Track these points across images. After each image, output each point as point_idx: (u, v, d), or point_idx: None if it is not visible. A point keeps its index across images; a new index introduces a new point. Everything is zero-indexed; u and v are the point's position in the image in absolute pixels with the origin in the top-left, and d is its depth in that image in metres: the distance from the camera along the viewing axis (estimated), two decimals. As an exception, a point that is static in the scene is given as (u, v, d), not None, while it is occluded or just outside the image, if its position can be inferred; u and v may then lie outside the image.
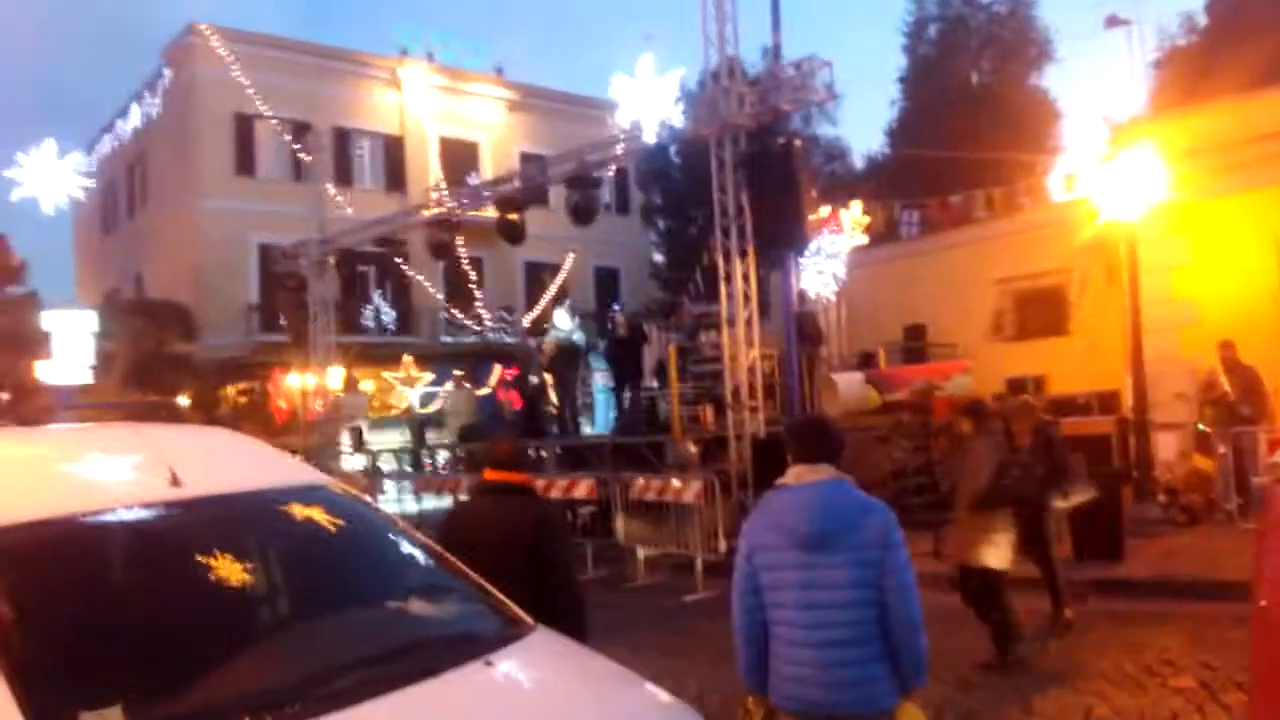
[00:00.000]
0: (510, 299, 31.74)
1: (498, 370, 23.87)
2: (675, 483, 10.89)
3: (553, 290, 31.90)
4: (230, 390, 25.57)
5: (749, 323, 12.12)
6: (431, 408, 22.32)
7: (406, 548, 3.93)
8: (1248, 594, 7.94)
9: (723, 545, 11.31)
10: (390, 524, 4.10)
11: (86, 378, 20.29)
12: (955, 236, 17.96)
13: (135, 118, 31.80)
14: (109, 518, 3.17)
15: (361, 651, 3.08)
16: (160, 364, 22.35)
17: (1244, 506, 10.47)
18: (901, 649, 3.19)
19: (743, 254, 12.18)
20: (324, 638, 3.30)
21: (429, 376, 24.04)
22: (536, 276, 32.37)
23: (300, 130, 26.74)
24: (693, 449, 12.08)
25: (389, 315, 28.87)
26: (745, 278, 12.15)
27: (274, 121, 27.58)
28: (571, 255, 32.25)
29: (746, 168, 11.65)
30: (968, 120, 27.52)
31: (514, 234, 15.24)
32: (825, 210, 15.28)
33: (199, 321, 24.43)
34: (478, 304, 30.15)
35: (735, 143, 11.89)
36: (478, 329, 30.06)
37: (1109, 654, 6.97)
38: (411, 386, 22.97)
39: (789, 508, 3.43)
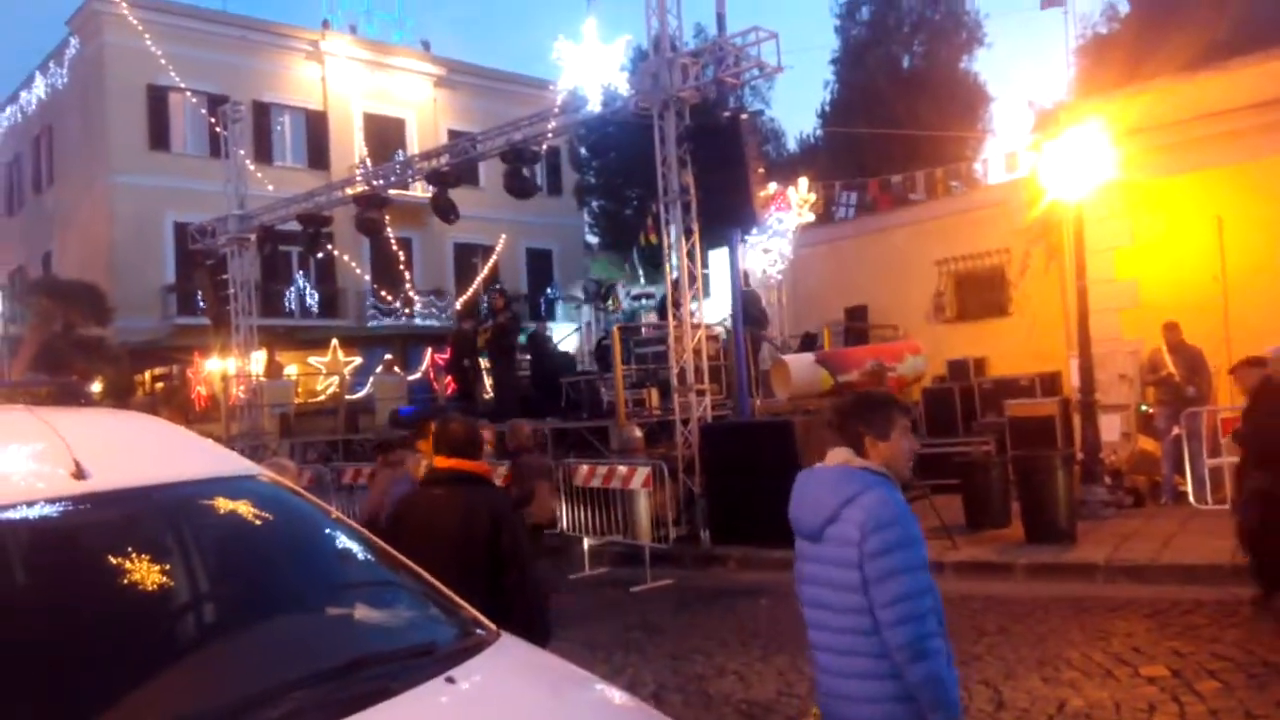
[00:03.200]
0: (439, 281, 31.01)
1: (429, 354, 23.24)
2: (621, 469, 10.51)
3: (484, 272, 31.25)
4: (146, 376, 24.44)
5: (694, 303, 11.78)
6: (359, 394, 21.58)
7: (350, 546, 3.46)
8: (1208, 578, 8.00)
9: (672, 534, 11.02)
10: (329, 519, 3.60)
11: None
12: (895, 217, 17.85)
13: (40, 89, 30.19)
14: (-1, 517, 2.66)
15: (304, 668, 2.63)
16: (70, 348, 21.20)
17: (1197, 488, 10.48)
18: (904, 675, 2.76)
19: (687, 232, 11.81)
20: (260, 653, 2.83)
21: (357, 361, 23.30)
22: (466, 259, 31.68)
23: (217, 103, 25.53)
24: (638, 433, 11.71)
25: (313, 298, 27.92)
26: (690, 256, 11.78)
27: (189, 94, 26.40)
28: (504, 237, 31.63)
29: (691, 142, 11.26)
30: (900, 103, 27.57)
31: (446, 210, 14.68)
32: (773, 187, 15.02)
33: (112, 303, 23.25)
34: (406, 286, 29.36)
35: (679, 116, 11.50)
36: (406, 312, 29.28)
37: (1076, 643, 6.79)
38: (338, 371, 22.20)
39: (794, 490, 3.12)
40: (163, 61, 25.65)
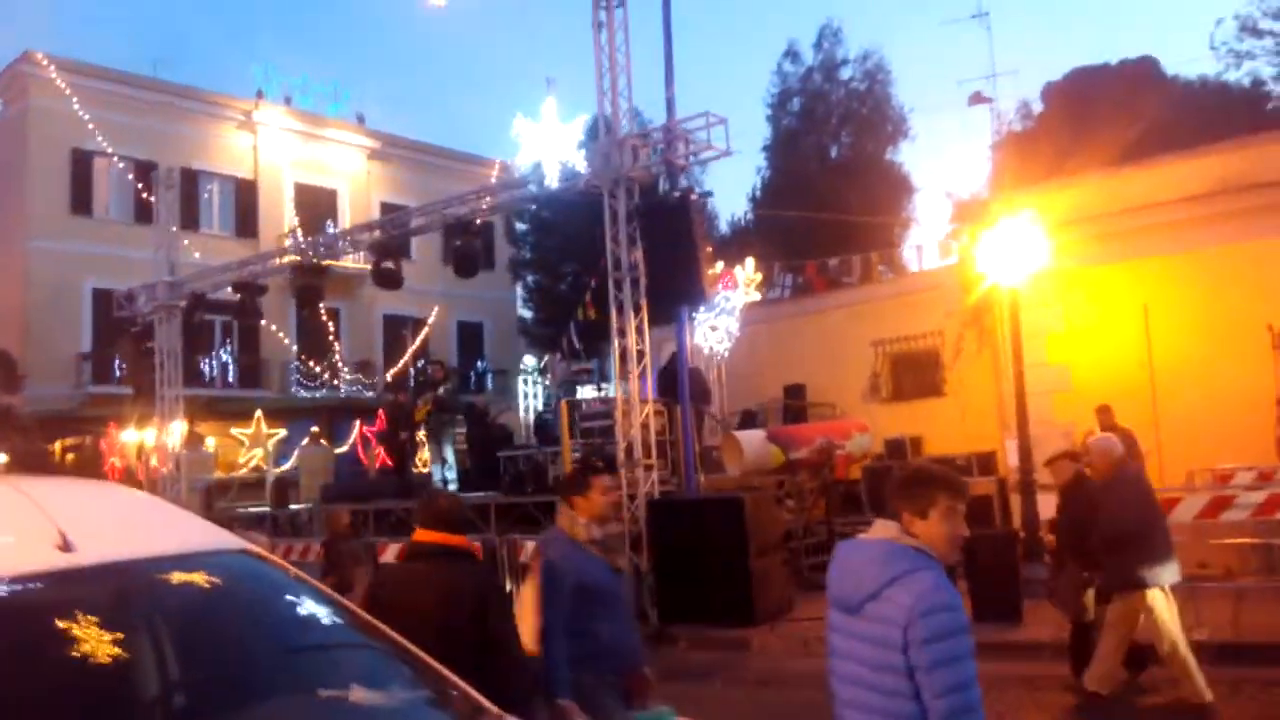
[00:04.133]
0: (367, 353, 30.52)
1: (358, 426, 22.73)
2: (569, 545, 10.27)
3: (415, 345, 30.88)
4: (56, 446, 23.36)
5: (642, 378, 11.77)
6: (283, 467, 20.94)
7: (343, 623, 3.28)
8: (1146, 658, 8.12)
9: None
10: (321, 594, 3.42)
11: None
12: (832, 299, 18.25)
13: (-43, 148, 29.24)
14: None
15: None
16: (-24, 416, 20.19)
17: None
18: None
19: (636, 308, 11.86)
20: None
21: (281, 433, 22.65)
22: (395, 330, 31.30)
23: (144, 170, 25.11)
24: (582, 510, 11.50)
25: (234, 368, 27.20)
26: (639, 332, 11.81)
27: (115, 159, 25.85)
28: (436, 309, 31.36)
29: (642, 220, 11.38)
30: (828, 190, 28.42)
31: (390, 280, 14.52)
32: (719, 266, 15.24)
33: (23, 370, 22.28)
34: (334, 357, 28.84)
35: (629, 195, 11.63)
36: (333, 383, 28.70)
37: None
38: (262, 444, 21.54)
39: (834, 559, 3.06)
40: (89, 126, 25.15)
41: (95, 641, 2.60)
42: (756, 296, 17.27)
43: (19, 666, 2.52)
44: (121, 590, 2.80)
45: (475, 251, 13.97)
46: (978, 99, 17.50)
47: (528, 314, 36.08)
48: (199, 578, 3.03)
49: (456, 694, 3.07)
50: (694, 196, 11.29)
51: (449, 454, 15.52)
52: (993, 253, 11.92)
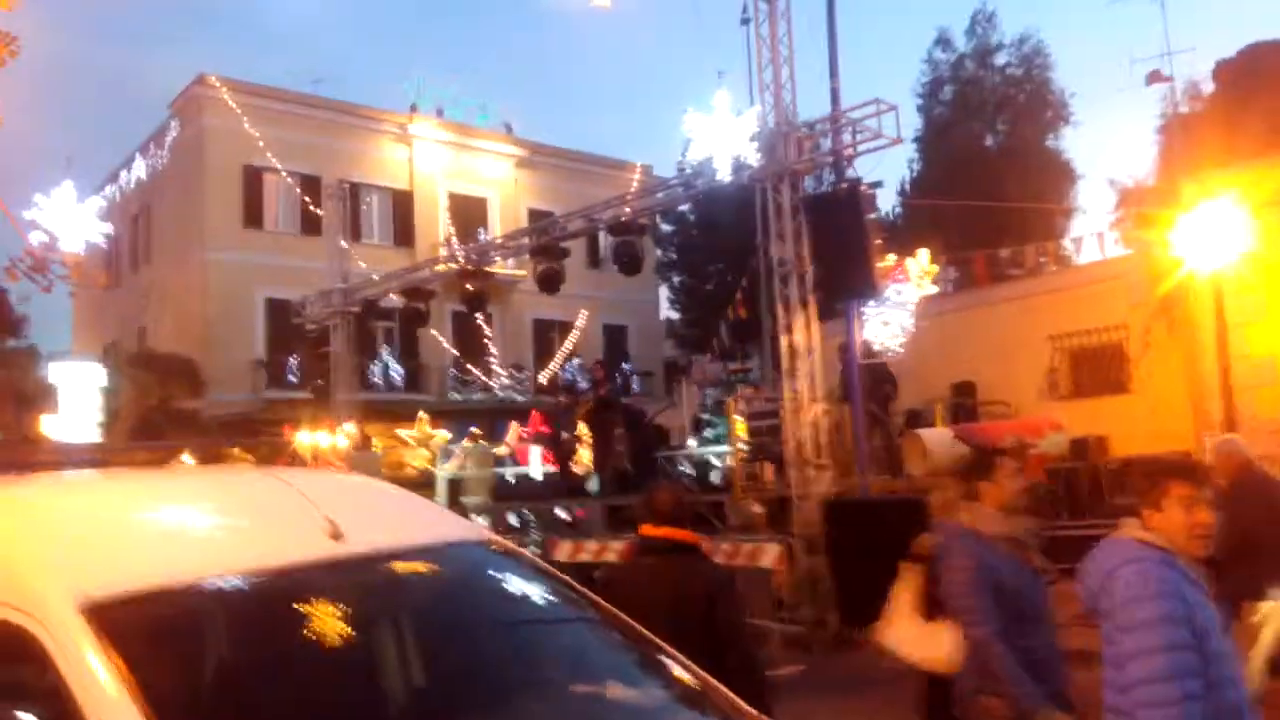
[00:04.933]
0: (519, 356, 31.13)
1: (514, 428, 23.10)
2: (747, 546, 10.12)
3: (564, 347, 31.33)
4: (235, 450, 24.60)
5: (811, 376, 11.48)
6: (450, 466, 21.46)
7: (596, 618, 3.19)
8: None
9: (797, 616, 10.55)
10: (564, 585, 3.33)
11: (95, 434, 19.39)
12: (1003, 291, 17.48)
13: (140, 170, 31.30)
14: (264, 580, 2.47)
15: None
16: (167, 419, 21.48)
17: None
18: None
19: (804, 304, 11.58)
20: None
21: (446, 434, 23.24)
22: (544, 334, 31.87)
23: (309, 184, 26.25)
24: (758, 509, 11.33)
25: (398, 372, 28.14)
26: (807, 328, 11.53)
27: (283, 174, 27.12)
28: (584, 313, 31.75)
29: (810, 213, 11.11)
30: (984, 181, 27.36)
31: (553, 283, 14.68)
32: (891, 258, 14.81)
33: (205, 376, 23.61)
34: (490, 360, 29.53)
35: (794, 189, 11.37)
36: (489, 386, 29.38)
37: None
38: (427, 445, 22.13)
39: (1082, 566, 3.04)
40: (259, 143, 26.45)
41: (365, 627, 2.63)
42: (932, 289, 16.70)
43: (299, 655, 2.52)
44: (389, 578, 2.82)
45: (637, 251, 13.95)
46: (1156, 78, 16.48)
47: (674, 315, 36.10)
48: (451, 567, 3.03)
49: (713, 692, 2.94)
50: (864, 188, 10.94)
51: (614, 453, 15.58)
52: (1191, 238, 11.15)
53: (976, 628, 3.69)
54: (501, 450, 22.36)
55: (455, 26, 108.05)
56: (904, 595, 4.28)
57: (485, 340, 29.07)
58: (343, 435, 19.13)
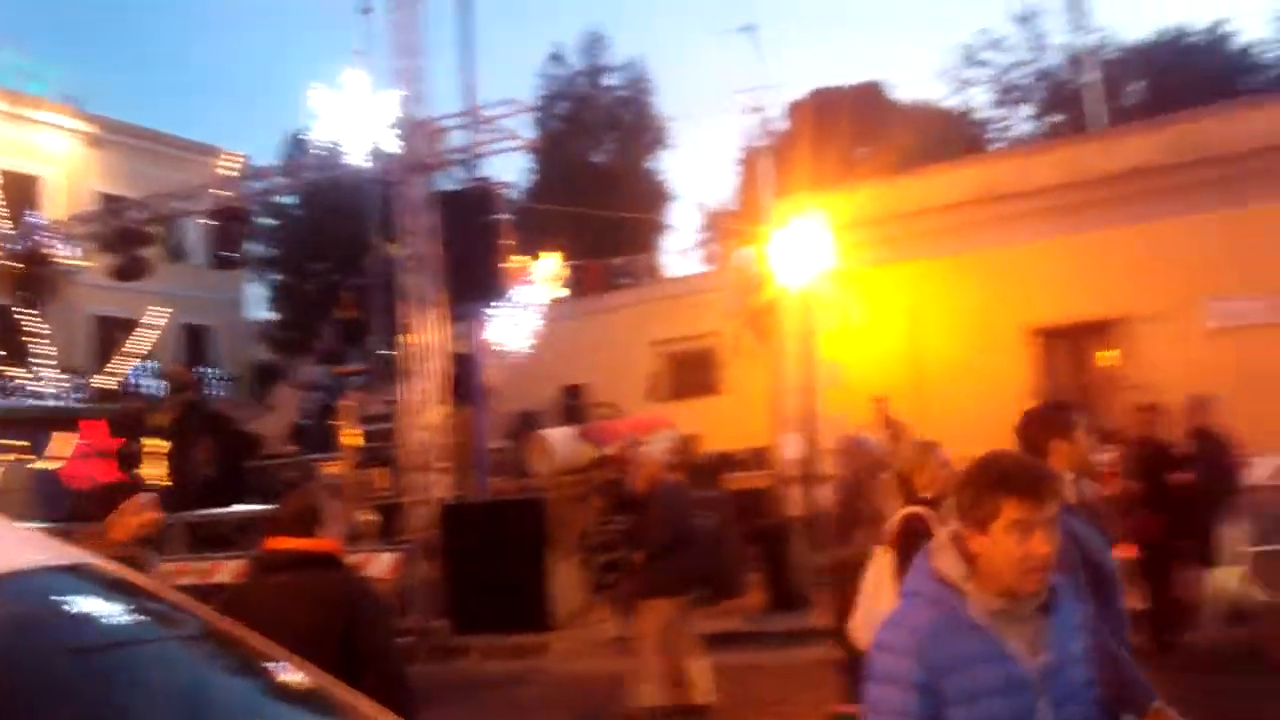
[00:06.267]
0: (74, 358, 27.21)
1: (64, 439, 20.24)
2: (355, 556, 9.54)
3: (137, 348, 27.91)
4: None
5: (433, 376, 11.14)
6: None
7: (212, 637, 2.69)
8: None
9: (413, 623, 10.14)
10: (181, 607, 2.79)
11: None
12: (612, 299, 18.25)
13: None
14: None
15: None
16: None
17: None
18: None
19: (429, 303, 11.21)
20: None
21: (-13, 447, 19.79)
22: (109, 333, 28.14)
23: None
24: (368, 517, 10.75)
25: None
26: (431, 328, 11.18)
27: None
28: (159, 310, 28.53)
29: (441, 210, 10.78)
30: (591, 195, 28.57)
31: (136, 273, 13.01)
32: (521, 260, 14.75)
33: None
34: (38, 362, 25.52)
35: (425, 184, 10.98)
36: (36, 391, 25.38)
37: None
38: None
39: None
40: None
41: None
42: (564, 293, 17.03)
43: None
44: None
45: (236, 242, 12.72)
46: (750, 109, 18.07)
47: (269, 315, 33.74)
48: (53, 597, 2.42)
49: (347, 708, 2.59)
50: (494, 187, 10.84)
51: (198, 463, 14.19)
52: (781, 254, 12.29)
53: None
54: (49, 464, 19.55)
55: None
56: (876, 578, 4.12)
57: (31, 338, 25.09)
58: None
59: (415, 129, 11.18)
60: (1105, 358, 13.47)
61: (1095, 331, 13.43)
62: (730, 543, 10.67)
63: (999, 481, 2.16)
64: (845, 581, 5.70)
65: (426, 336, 11.18)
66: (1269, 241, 11.93)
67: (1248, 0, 27.90)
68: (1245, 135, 12.50)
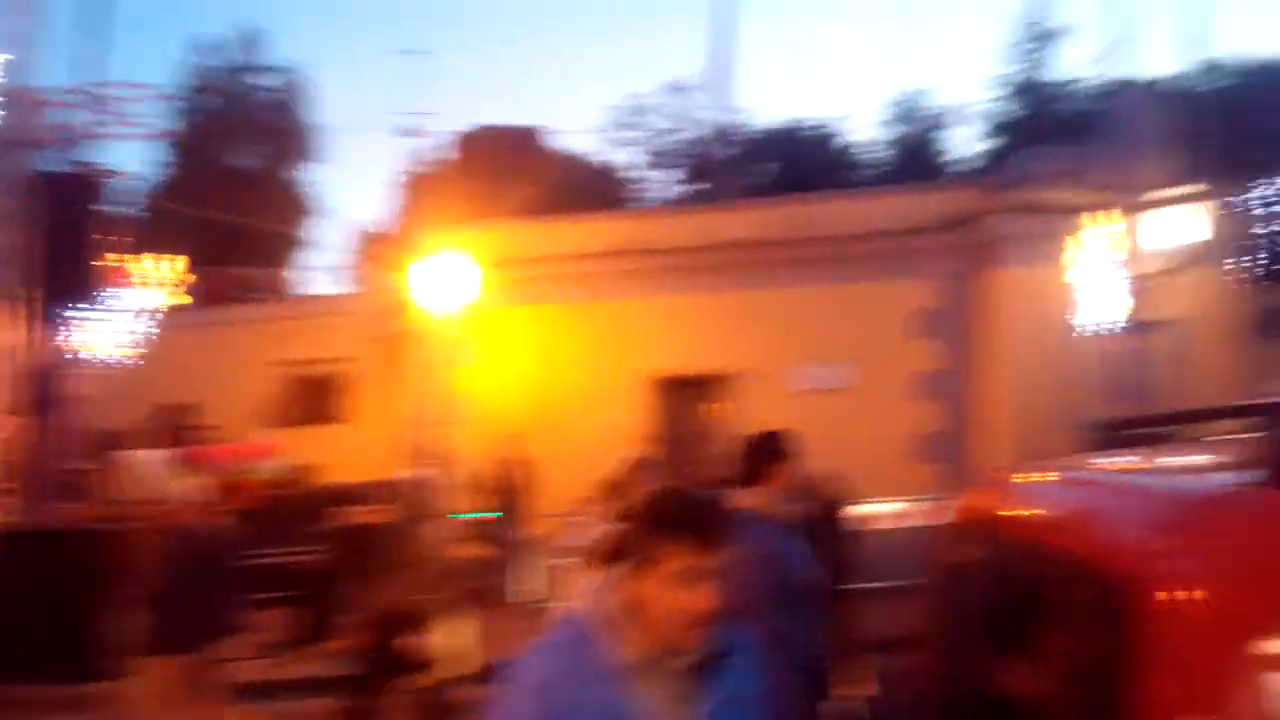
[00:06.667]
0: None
1: None
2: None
3: None
4: None
5: (3, 382, 9.67)
6: None
7: None
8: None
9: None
10: None
11: None
12: (232, 313, 16.93)
13: None
14: None
15: None
16: None
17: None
18: None
19: (10, 298, 9.73)
20: None
21: None
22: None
23: None
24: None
25: None
26: (12, 328, 9.71)
27: None
28: None
29: (42, 194, 9.41)
30: (225, 197, 26.67)
31: None
32: (127, 259, 13.07)
33: None
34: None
35: (22, 162, 9.55)
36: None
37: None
38: None
39: None
40: None
41: None
42: (187, 299, 15.43)
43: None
44: None
45: None
46: (406, 131, 17.75)
47: None
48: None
49: None
50: (98, 175, 9.67)
51: None
52: (424, 285, 12.14)
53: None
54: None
55: None
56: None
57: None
58: None
59: (17, 98, 9.81)
60: (713, 409, 14.60)
61: (706, 384, 14.52)
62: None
63: (668, 523, 1.96)
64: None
65: (3, 335, 9.71)
66: (848, 315, 13.64)
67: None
68: (840, 221, 14.23)
